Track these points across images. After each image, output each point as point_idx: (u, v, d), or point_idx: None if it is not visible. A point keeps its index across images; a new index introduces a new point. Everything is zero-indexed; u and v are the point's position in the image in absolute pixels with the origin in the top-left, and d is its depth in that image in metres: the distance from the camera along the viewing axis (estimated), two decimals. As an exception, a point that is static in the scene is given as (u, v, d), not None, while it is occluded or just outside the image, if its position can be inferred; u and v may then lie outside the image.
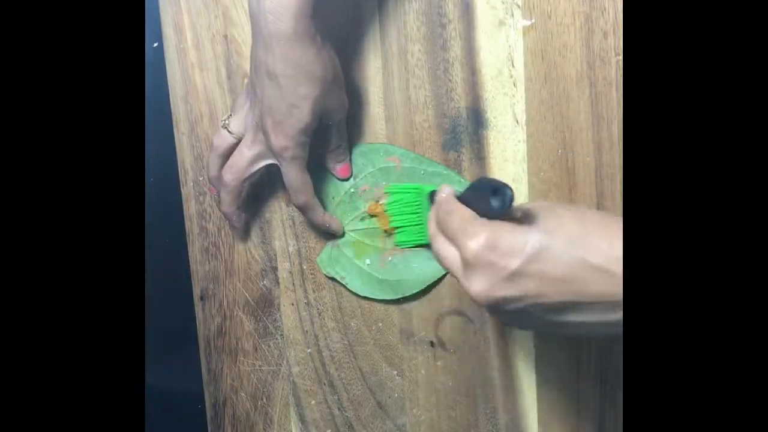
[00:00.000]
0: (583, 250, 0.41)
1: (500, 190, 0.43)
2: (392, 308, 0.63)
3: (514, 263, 0.42)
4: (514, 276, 0.42)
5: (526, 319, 0.44)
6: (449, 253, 0.46)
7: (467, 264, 0.43)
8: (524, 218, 0.44)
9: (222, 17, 0.61)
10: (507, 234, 0.42)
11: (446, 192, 0.49)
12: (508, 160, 0.59)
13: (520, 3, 0.56)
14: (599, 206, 0.57)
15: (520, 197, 0.59)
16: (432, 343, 0.63)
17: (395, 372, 0.64)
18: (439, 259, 0.47)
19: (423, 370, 0.64)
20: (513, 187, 0.59)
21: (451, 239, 0.46)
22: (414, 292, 0.62)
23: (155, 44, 0.64)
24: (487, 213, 0.44)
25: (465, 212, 0.46)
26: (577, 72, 0.56)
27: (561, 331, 0.44)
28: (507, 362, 0.61)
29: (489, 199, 0.43)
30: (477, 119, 0.59)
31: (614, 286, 0.41)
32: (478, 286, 0.43)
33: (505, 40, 0.57)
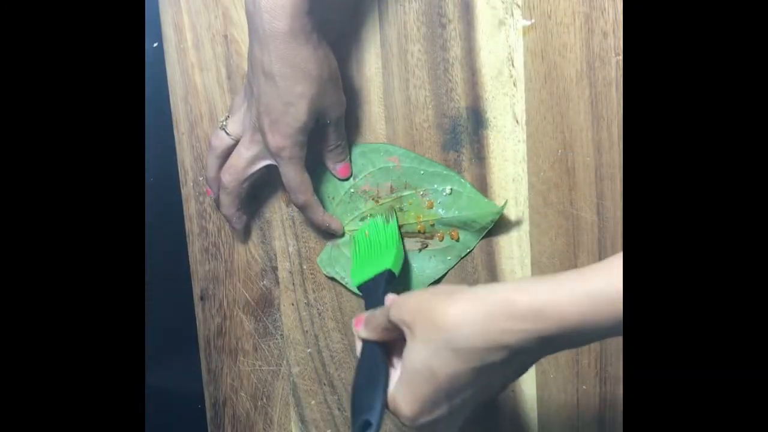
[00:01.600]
0: (467, 367, 0.42)
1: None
2: (392, 308, 0.63)
3: (423, 419, 0.44)
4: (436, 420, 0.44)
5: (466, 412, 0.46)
6: None
7: None
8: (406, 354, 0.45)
9: (222, 17, 0.61)
10: (403, 401, 0.45)
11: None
12: (508, 160, 0.59)
13: (520, 3, 0.56)
14: (599, 206, 0.57)
15: (520, 197, 0.59)
16: (432, 343, 0.63)
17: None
18: None
19: (423, 370, 0.64)
20: (513, 187, 0.59)
21: None
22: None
23: (155, 44, 0.64)
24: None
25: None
26: (577, 72, 0.56)
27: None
28: (507, 362, 0.61)
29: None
30: (477, 119, 0.59)
31: (488, 380, 0.43)
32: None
33: (505, 40, 0.57)
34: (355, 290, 0.63)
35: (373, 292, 0.56)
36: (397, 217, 0.61)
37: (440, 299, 0.43)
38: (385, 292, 0.55)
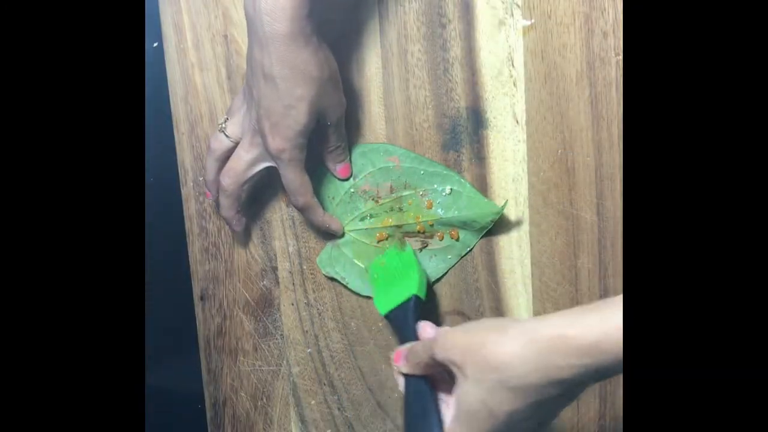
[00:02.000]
0: (524, 399, 0.42)
1: None
2: (392, 308, 0.63)
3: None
4: None
5: None
6: None
7: None
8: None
9: (222, 17, 0.61)
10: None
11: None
12: (508, 160, 0.59)
13: (520, 3, 0.56)
14: (599, 206, 0.57)
15: (520, 197, 0.59)
16: (432, 343, 0.63)
17: (395, 372, 0.64)
18: None
19: (423, 370, 0.64)
20: (513, 187, 0.59)
21: None
22: (414, 292, 0.62)
23: (155, 44, 0.64)
24: None
25: None
26: (577, 72, 0.56)
27: None
28: (507, 362, 0.61)
29: None
30: (477, 119, 0.59)
31: (545, 412, 0.44)
32: None
33: (505, 40, 0.57)
34: (356, 290, 0.63)
35: (402, 319, 0.56)
36: (410, 245, 0.61)
37: (489, 337, 0.43)
38: (415, 319, 0.56)
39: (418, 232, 0.61)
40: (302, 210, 0.59)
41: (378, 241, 0.62)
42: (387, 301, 0.58)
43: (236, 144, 0.58)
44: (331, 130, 0.58)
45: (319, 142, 0.59)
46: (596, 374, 0.41)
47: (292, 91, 0.52)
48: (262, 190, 0.63)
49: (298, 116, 0.53)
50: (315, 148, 0.58)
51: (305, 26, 0.51)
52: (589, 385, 0.43)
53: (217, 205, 0.62)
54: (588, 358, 0.40)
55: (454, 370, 0.45)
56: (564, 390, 0.41)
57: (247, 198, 0.63)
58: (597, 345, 0.39)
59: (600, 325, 0.39)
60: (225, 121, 0.59)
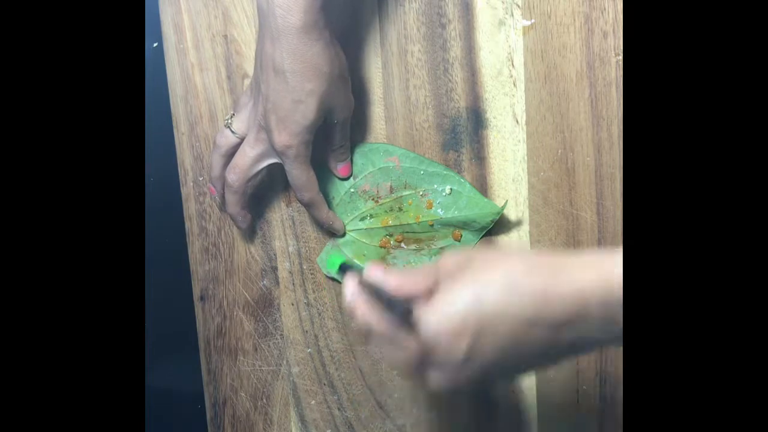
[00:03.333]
0: (515, 307, 0.40)
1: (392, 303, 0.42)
2: (392, 308, 0.63)
3: (460, 354, 0.40)
4: (467, 359, 0.41)
5: (490, 380, 0.43)
6: (395, 356, 0.43)
7: (417, 365, 0.42)
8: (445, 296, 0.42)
9: (222, 17, 0.61)
10: (443, 331, 0.41)
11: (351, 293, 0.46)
12: (508, 160, 0.59)
13: (520, 3, 0.56)
14: (599, 206, 0.57)
15: (520, 197, 0.59)
16: (432, 343, 0.63)
17: (395, 372, 0.64)
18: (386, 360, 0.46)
19: (423, 370, 0.64)
20: (513, 187, 0.59)
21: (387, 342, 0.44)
22: (414, 292, 0.62)
23: (155, 44, 0.64)
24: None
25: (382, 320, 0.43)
26: (577, 72, 0.56)
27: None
28: (507, 362, 0.61)
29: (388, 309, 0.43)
30: (477, 119, 0.59)
31: (556, 335, 0.40)
32: (436, 382, 0.42)
33: (505, 40, 0.57)
34: None
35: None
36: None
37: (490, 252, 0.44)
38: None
39: (418, 237, 0.61)
40: (308, 206, 0.59)
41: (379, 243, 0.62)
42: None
43: (242, 140, 0.58)
44: (337, 128, 0.58)
45: (324, 140, 0.59)
46: (578, 334, 0.39)
47: (303, 85, 0.52)
48: (262, 189, 0.63)
49: (306, 111, 0.53)
50: (318, 146, 0.58)
51: (318, 19, 0.51)
52: (570, 349, 0.41)
53: (222, 201, 0.61)
54: (574, 308, 0.39)
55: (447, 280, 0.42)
56: (548, 336, 0.40)
57: (252, 196, 0.63)
58: (584, 297, 0.39)
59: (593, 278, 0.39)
60: (231, 117, 0.59)
